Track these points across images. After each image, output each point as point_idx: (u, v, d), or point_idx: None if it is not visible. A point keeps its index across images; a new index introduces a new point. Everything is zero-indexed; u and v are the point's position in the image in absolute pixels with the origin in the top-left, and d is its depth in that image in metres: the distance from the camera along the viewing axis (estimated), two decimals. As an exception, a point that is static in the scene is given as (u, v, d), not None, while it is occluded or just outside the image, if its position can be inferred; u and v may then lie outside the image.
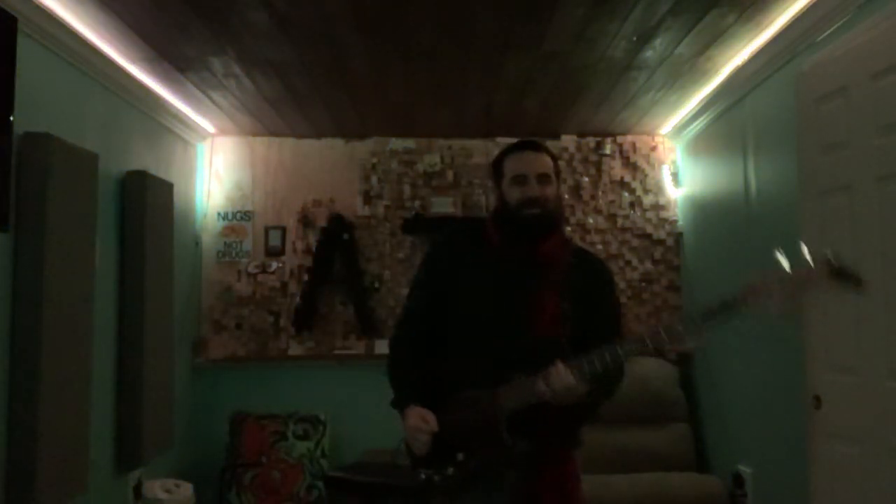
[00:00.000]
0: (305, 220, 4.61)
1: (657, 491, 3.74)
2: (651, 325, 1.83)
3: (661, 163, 4.66)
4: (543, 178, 1.99)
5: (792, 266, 1.70)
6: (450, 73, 3.54)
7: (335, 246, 4.53)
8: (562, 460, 1.95)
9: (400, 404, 2.01)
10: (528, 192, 1.96)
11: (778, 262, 1.70)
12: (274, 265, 4.58)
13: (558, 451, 1.95)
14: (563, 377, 1.77)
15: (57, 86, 2.91)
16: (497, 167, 2.08)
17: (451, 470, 1.91)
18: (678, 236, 4.61)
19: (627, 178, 4.67)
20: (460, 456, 1.91)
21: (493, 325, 1.93)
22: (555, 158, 2.07)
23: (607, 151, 4.67)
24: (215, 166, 4.63)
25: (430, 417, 1.92)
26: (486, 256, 2.00)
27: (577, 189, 4.66)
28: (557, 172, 2.05)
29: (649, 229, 4.63)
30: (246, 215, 4.62)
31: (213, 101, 3.93)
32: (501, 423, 1.86)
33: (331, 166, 4.66)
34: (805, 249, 1.71)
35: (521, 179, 1.98)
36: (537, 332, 1.91)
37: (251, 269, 4.58)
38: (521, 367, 1.85)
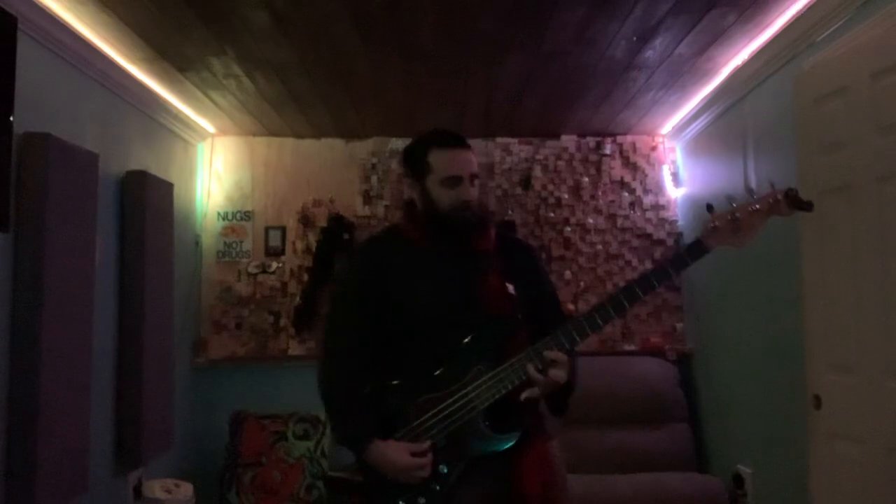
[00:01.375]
0: (305, 220, 4.61)
1: (657, 491, 3.74)
2: (619, 286, 1.83)
3: (661, 163, 4.66)
4: (475, 178, 1.88)
5: (743, 198, 1.77)
6: (450, 73, 3.54)
7: (335, 246, 4.52)
8: (544, 450, 1.83)
9: (357, 441, 1.80)
10: (463, 195, 1.83)
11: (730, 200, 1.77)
12: (274, 265, 4.58)
13: (540, 435, 1.83)
14: (560, 356, 1.72)
15: (57, 86, 2.91)
16: (419, 161, 1.88)
17: (436, 486, 1.76)
18: (678, 236, 4.61)
19: (627, 178, 4.67)
20: (443, 468, 1.76)
21: (441, 318, 1.81)
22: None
23: (607, 151, 4.67)
24: (215, 166, 4.63)
25: (410, 446, 1.75)
26: (416, 255, 1.87)
27: (577, 189, 4.66)
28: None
29: (649, 229, 4.63)
30: (246, 215, 4.62)
31: (213, 101, 3.93)
32: (482, 419, 1.75)
33: (331, 166, 4.66)
34: (752, 188, 1.81)
35: (453, 182, 1.83)
36: (489, 316, 1.80)
37: (251, 269, 4.58)
38: (482, 354, 1.77)
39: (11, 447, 2.54)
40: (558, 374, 1.73)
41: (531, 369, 1.73)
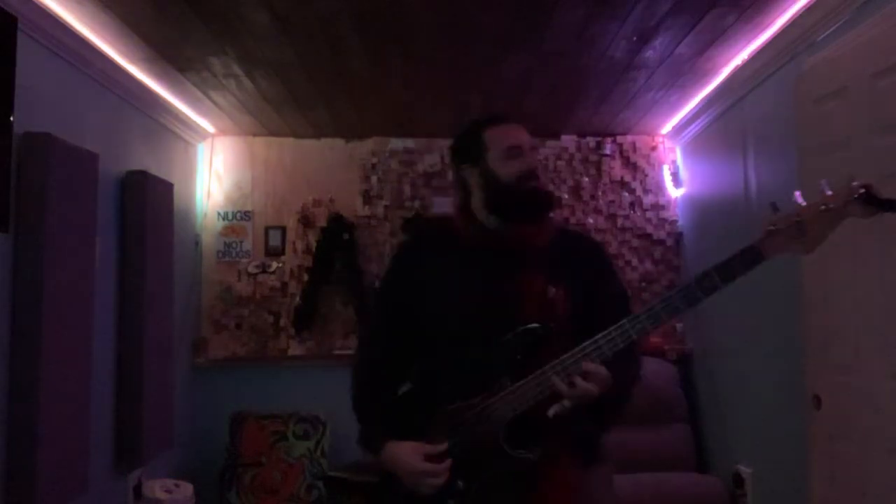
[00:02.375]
0: (305, 220, 4.61)
1: (657, 491, 3.73)
2: (662, 294, 1.61)
3: (661, 163, 4.66)
4: (533, 150, 1.79)
5: (810, 198, 1.51)
6: (450, 72, 3.54)
7: (335, 246, 4.52)
8: (573, 476, 1.65)
9: (372, 442, 1.74)
10: (527, 163, 1.74)
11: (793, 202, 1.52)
12: (274, 265, 4.58)
13: (570, 463, 1.65)
14: (597, 371, 1.53)
15: (57, 86, 2.90)
16: (476, 143, 1.78)
17: (452, 502, 1.65)
18: (678, 236, 4.61)
19: (627, 178, 4.67)
20: (460, 483, 1.64)
21: (472, 323, 1.68)
22: None
23: (607, 151, 4.67)
24: (215, 166, 4.63)
25: (424, 448, 1.66)
26: (455, 255, 1.77)
27: (577, 189, 4.66)
28: None
29: (649, 229, 4.64)
30: (246, 215, 4.62)
31: (213, 101, 3.93)
32: (503, 434, 1.61)
33: (331, 166, 4.66)
34: (825, 184, 1.50)
35: (514, 151, 1.74)
36: (524, 321, 1.64)
37: (251, 269, 4.57)
38: (506, 364, 1.62)
39: (11, 448, 2.54)
40: (588, 386, 1.53)
41: (557, 382, 1.55)
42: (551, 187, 4.62)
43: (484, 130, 1.78)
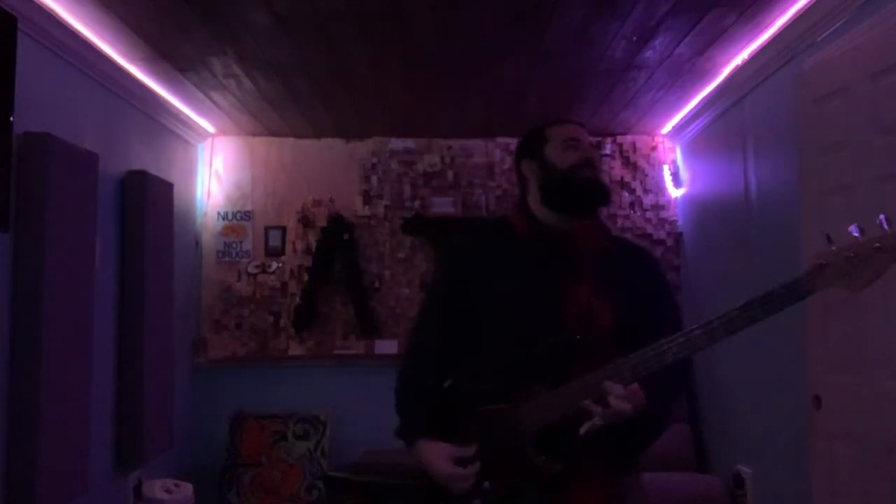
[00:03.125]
0: (305, 220, 4.61)
1: (657, 491, 3.73)
2: (703, 321, 1.59)
3: (661, 163, 4.66)
4: (591, 148, 1.82)
5: (866, 233, 1.41)
6: (450, 73, 3.54)
7: (335, 246, 4.53)
8: (607, 483, 1.64)
9: (408, 435, 1.76)
10: (584, 153, 1.75)
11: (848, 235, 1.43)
12: (274, 265, 4.58)
13: (602, 472, 1.63)
14: (619, 402, 1.49)
15: (57, 86, 2.91)
16: (536, 138, 1.81)
17: (477, 502, 1.65)
18: (678, 236, 4.61)
19: (627, 178, 4.67)
20: (486, 485, 1.65)
21: (514, 326, 1.67)
22: None
23: (607, 151, 4.67)
24: (215, 166, 4.63)
25: (454, 451, 1.66)
26: (509, 253, 1.76)
27: (577, 189, 4.65)
28: None
29: (649, 229, 4.63)
30: (246, 215, 4.62)
31: (213, 101, 3.93)
32: (529, 442, 1.59)
33: (331, 166, 4.66)
34: (883, 219, 1.39)
35: (573, 143, 1.75)
36: (562, 328, 1.61)
37: (251, 269, 4.58)
38: (538, 370, 1.61)
39: (11, 447, 2.54)
40: (621, 405, 1.49)
41: (589, 403, 1.51)
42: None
43: (546, 126, 1.82)
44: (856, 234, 1.41)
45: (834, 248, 1.43)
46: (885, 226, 1.37)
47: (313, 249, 4.55)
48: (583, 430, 1.52)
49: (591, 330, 1.61)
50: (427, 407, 1.77)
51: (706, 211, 4.20)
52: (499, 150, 4.65)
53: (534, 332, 1.62)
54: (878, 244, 1.37)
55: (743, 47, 3.22)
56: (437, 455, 1.69)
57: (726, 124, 3.81)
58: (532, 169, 1.80)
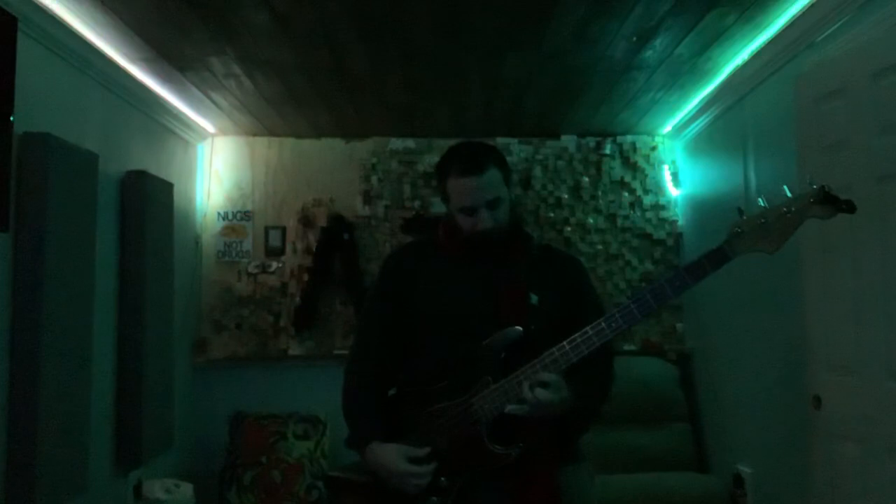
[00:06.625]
0: (305, 220, 4.61)
1: (657, 491, 3.74)
2: (634, 293, 1.71)
3: (661, 163, 4.66)
4: (493, 203, 1.78)
5: (773, 201, 1.62)
6: (449, 73, 3.54)
7: (335, 246, 4.53)
8: (556, 473, 1.73)
9: (358, 442, 1.82)
10: (479, 225, 1.78)
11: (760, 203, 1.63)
12: (274, 265, 4.58)
13: (554, 453, 1.74)
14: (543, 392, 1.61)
15: (57, 86, 2.91)
16: (441, 187, 1.87)
17: (435, 499, 1.73)
18: (678, 236, 4.61)
19: (627, 178, 4.67)
20: (443, 480, 1.73)
21: (456, 326, 1.77)
22: (503, 162, 1.84)
23: (607, 151, 4.67)
24: (215, 166, 4.63)
25: (408, 450, 1.74)
26: (442, 263, 1.86)
27: (577, 189, 4.66)
28: (507, 177, 1.83)
29: (649, 229, 4.64)
30: (246, 215, 4.62)
31: (213, 101, 3.93)
32: (486, 432, 1.70)
33: (331, 166, 4.66)
34: (786, 188, 1.62)
35: (469, 211, 1.79)
36: (505, 325, 1.72)
37: (251, 269, 4.58)
38: (489, 364, 1.70)
39: (11, 447, 2.54)
40: (546, 395, 1.61)
41: (525, 387, 1.64)
42: (550, 187, 4.63)
43: (447, 179, 1.83)
44: (764, 205, 1.63)
45: (746, 217, 1.64)
46: (788, 193, 1.61)
47: (313, 249, 4.55)
48: (508, 409, 1.66)
49: (533, 323, 1.72)
50: (376, 413, 1.85)
51: (706, 211, 4.20)
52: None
53: (480, 330, 1.72)
54: (784, 209, 1.60)
55: (743, 47, 3.23)
56: (392, 455, 1.75)
57: (726, 124, 3.81)
58: (446, 196, 1.87)
